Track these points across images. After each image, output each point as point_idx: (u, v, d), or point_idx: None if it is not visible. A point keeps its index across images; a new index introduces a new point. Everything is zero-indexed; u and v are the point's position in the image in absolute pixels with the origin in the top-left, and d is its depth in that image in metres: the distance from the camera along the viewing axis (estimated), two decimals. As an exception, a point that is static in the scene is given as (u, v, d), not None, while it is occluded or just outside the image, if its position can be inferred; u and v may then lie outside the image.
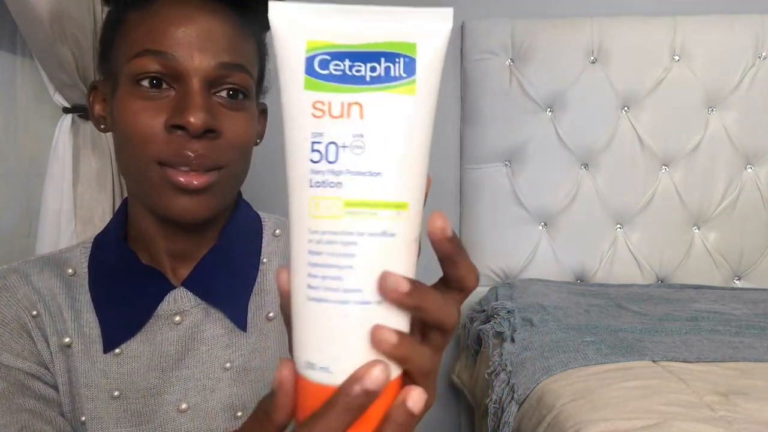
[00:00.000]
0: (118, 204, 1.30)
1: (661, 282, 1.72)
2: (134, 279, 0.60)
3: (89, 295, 0.60)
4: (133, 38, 0.54)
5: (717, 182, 1.70)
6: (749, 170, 1.71)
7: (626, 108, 1.71)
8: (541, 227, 1.75)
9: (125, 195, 1.30)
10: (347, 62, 0.30)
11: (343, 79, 0.30)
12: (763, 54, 1.67)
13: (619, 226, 1.74)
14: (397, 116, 0.31)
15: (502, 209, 1.73)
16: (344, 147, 0.30)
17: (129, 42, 0.54)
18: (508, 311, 1.33)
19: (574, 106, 1.70)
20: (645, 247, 1.72)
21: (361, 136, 0.30)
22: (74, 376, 0.58)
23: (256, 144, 0.63)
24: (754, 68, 1.67)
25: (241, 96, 0.56)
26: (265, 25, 0.61)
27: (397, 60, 0.31)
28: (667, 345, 1.08)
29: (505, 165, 1.73)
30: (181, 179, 0.53)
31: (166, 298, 0.60)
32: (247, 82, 0.57)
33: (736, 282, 1.73)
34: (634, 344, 1.08)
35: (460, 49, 1.77)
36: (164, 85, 0.53)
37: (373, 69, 0.30)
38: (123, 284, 0.60)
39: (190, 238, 0.61)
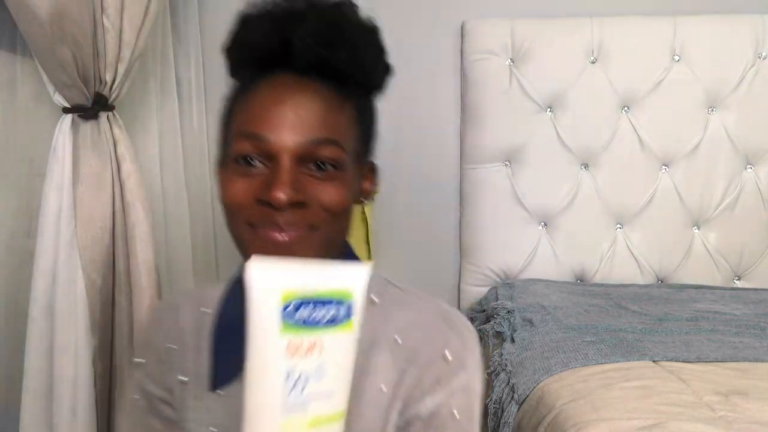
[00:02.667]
0: (117, 204, 1.30)
1: (661, 282, 1.72)
2: (243, 326, 0.64)
3: (211, 335, 0.65)
4: (237, 120, 0.60)
5: (717, 182, 1.70)
6: (749, 170, 1.71)
7: (626, 108, 1.71)
8: (541, 227, 1.75)
9: (125, 195, 1.31)
10: (309, 308, 0.40)
11: (308, 322, 0.40)
12: (763, 54, 1.67)
13: (619, 226, 1.74)
14: (344, 348, 0.42)
15: (502, 209, 1.73)
16: (309, 377, 0.39)
17: (235, 123, 0.60)
18: (508, 311, 1.33)
19: (574, 106, 1.69)
20: (645, 247, 1.72)
21: (321, 366, 0.40)
22: (185, 410, 0.63)
23: (366, 202, 0.65)
24: (754, 68, 1.67)
25: (331, 167, 0.58)
26: (371, 88, 0.63)
27: (341, 304, 0.42)
28: (667, 345, 1.09)
29: (505, 165, 1.73)
30: (271, 234, 0.57)
31: None
32: (337, 154, 0.58)
33: (736, 282, 1.73)
34: (634, 344, 1.08)
35: (460, 49, 1.77)
36: (259, 163, 0.58)
37: (328, 312, 0.41)
38: (235, 330, 0.63)
39: None
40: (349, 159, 0.60)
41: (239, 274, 0.66)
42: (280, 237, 0.56)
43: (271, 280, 0.39)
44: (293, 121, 0.56)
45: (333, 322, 0.41)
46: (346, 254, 0.67)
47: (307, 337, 0.39)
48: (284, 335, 0.38)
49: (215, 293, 0.66)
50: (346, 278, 0.42)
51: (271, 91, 0.58)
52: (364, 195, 0.65)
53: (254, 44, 0.60)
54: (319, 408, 0.39)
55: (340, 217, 0.60)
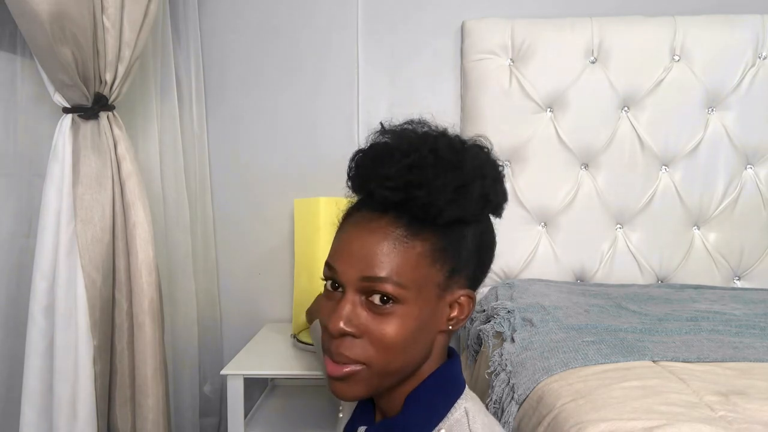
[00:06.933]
0: (117, 204, 1.30)
1: (661, 282, 1.72)
2: (364, 405, 0.75)
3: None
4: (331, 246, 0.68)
5: (717, 182, 1.70)
6: (749, 170, 1.71)
7: (626, 108, 1.71)
8: (541, 227, 1.75)
9: (125, 195, 1.31)
10: None
11: None
12: (763, 54, 1.67)
13: (619, 226, 1.74)
14: None
15: (502, 209, 1.72)
16: None
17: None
18: (508, 311, 1.33)
19: (574, 106, 1.70)
20: (645, 247, 1.72)
21: None
22: None
23: (453, 329, 0.67)
24: (754, 68, 1.67)
25: (391, 302, 0.62)
26: (454, 222, 0.64)
27: None
28: (667, 345, 1.08)
29: (505, 165, 1.73)
30: (329, 366, 0.64)
31: (360, 428, 0.72)
32: (394, 291, 0.62)
33: (736, 282, 1.73)
34: (634, 344, 1.08)
35: (460, 49, 1.77)
36: (339, 288, 0.65)
37: None
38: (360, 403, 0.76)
39: (379, 398, 0.71)
40: (414, 294, 0.62)
41: None
42: (335, 371, 0.63)
43: None
44: (357, 258, 0.62)
45: None
46: (426, 384, 0.67)
47: None
48: None
49: None
50: None
51: (351, 227, 0.65)
52: (451, 322, 0.66)
53: (351, 181, 0.67)
54: None
55: (390, 352, 0.62)
